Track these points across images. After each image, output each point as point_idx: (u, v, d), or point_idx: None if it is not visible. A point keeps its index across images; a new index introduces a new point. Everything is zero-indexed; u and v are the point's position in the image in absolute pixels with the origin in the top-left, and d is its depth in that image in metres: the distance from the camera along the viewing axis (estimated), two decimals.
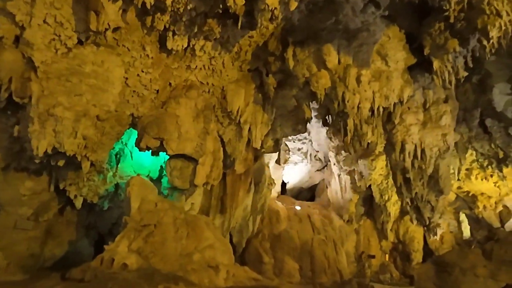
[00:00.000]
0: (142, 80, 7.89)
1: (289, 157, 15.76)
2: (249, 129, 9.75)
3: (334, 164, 14.59)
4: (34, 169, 7.82)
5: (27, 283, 7.02)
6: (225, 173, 10.30)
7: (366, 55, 7.69)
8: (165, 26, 7.17)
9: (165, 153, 8.49)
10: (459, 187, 13.69)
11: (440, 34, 7.31)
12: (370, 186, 13.93)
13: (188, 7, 6.61)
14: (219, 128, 9.60)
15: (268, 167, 13.24)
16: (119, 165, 9.45)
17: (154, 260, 6.62)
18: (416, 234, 14.84)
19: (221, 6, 6.65)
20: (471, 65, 7.72)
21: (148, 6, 6.40)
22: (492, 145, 10.35)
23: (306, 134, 14.97)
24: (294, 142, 15.52)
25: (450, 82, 7.79)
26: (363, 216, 15.07)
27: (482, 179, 13.01)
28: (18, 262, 8.02)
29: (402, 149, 8.66)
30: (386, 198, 14.12)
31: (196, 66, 8.59)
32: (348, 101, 7.97)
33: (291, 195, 16.24)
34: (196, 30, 7.39)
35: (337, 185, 14.90)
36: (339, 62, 7.83)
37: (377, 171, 13.49)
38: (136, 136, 8.28)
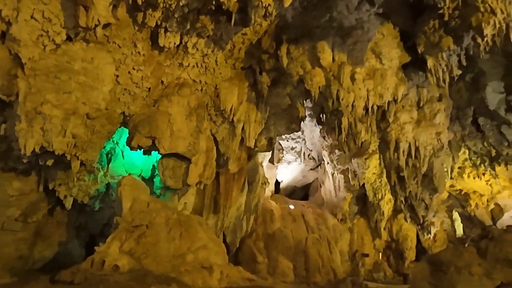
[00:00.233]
0: (134, 77, 7.74)
1: (283, 156, 15.70)
2: (243, 128, 9.65)
3: (328, 163, 14.58)
4: (22, 169, 7.63)
5: (15, 286, 6.84)
6: (218, 172, 10.19)
7: (360, 53, 7.64)
8: (156, 23, 7.03)
9: (157, 152, 8.35)
10: (451, 186, 13.76)
11: (435, 32, 7.28)
12: (363, 185, 13.95)
13: (180, 3, 6.48)
14: (212, 126, 9.48)
15: (262, 166, 13.16)
16: (110, 165, 9.28)
17: (146, 261, 6.49)
18: (409, 232, 14.93)
19: (214, 2, 6.53)
20: (464, 63, 7.72)
21: (139, 2, 6.27)
22: (485, 144, 10.40)
23: (299, 133, 14.92)
24: (287, 141, 15.46)
25: (444, 81, 7.78)
26: (357, 214, 15.11)
27: (474, 178, 13.10)
28: (6, 264, 7.82)
29: (396, 148, 8.63)
30: (380, 197, 14.17)
31: (189, 64, 8.46)
32: (342, 99, 7.91)
33: (284, 194, 16.20)
34: (188, 27, 7.28)
35: (331, 184, 14.89)
36: (333, 60, 7.77)
37: (371, 170, 13.52)
38: (128, 135, 8.12)
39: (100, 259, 6.08)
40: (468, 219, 15.45)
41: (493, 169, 11.28)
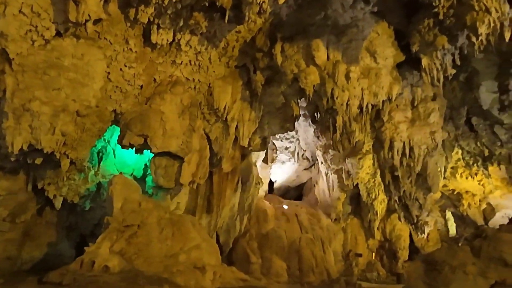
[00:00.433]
0: (125, 75, 7.60)
1: (277, 156, 15.62)
2: (236, 127, 9.56)
3: (322, 163, 14.54)
4: (9, 167, 7.45)
5: (2, 287, 6.66)
6: (211, 172, 10.08)
7: (355, 51, 7.60)
8: (149, 19, 6.90)
9: (149, 151, 8.22)
10: (444, 185, 13.81)
11: (429, 31, 7.26)
12: (357, 184, 13.94)
13: (173, 0, 6.37)
14: (206, 125, 9.37)
15: (256, 166, 13.08)
16: (101, 164, 9.13)
17: (137, 262, 6.36)
18: (403, 232, 14.96)
19: None
20: (458, 62, 7.71)
21: None
22: (478, 143, 10.44)
23: (293, 133, 14.87)
24: (281, 141, 15.40)
25: (438, 80, 7.77)
26: (350, 214, 15.09)
27: (467, 177, 13.16)
28: None
29: (391, 147, 8.61)
30: (373, 197, 14.16)
31: (182, 61, 8.34)
32: (337, 98, 7.86)
33: (278, 194, 16.13)
34: (181, 23, 7.17)
35: (325, 184, 14.86)
36: (328, 58, 7.71)
37: (364, 169, 13.50)
38: (119, 133, 7.97)
39: (89, 260, 5.94)
40: (461, 219, 15.54)
41: (486, 168, 11.33)
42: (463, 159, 11.71)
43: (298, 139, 15.44)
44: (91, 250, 6.19)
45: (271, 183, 16.07)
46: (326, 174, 14.60)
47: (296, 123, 11.13)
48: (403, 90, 8.45)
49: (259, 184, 13.08)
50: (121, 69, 7.50)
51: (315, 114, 9.85)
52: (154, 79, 8.25)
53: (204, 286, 6.64)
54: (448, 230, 14.93)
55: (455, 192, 14.38)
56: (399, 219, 11.15)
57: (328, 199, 14.80)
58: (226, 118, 9.31)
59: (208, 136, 9.43)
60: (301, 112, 11.93)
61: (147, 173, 9.66)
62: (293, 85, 8.72)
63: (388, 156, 8.70)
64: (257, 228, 12.91)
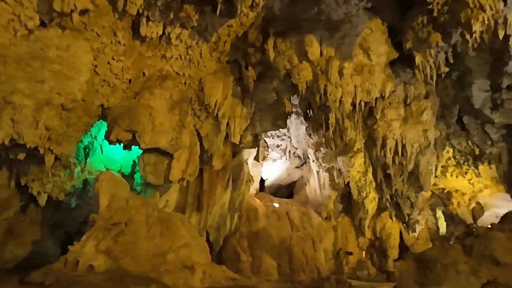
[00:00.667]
0: (113, 68, 7.37)
1: (268, 154, 15.49)
2: (228, 123, 9.41)
3: (313, 161, 14.47)
4: None
5: None
6: (202, 169, 9.91)
7: (348, 48, 7.49)
8: (138, 11, 6.69)
9: (137, 147, 8.00)
10: (434, 184, 13.87)
11: (423, 28, 7.20)
12: (348, 183, 13.91)
13: None
14: (196, 121, 9.19)
15: (247, 163, 12.93)
16: (87, 160, 8.88)
17: (124, 261, 6.17)
18: (393, 230, 15.01)
19: None
20: (451, 60, 7.67)
21: None
22: (469, 142, 10.46)
23: (285, 131, 14.76)
24: (273, 138, 15.27)
25: (431, 77, 7.72)
26: (341, 213, 15.07)
27: (457, 176, 13.23)
28: None
29: (383, 145, 8.54)
30: (364, 195, 14.16)
31: (172, 56, 8.14)
32: (330, 95, 7.76)
33: (269, 192, 16.01)
34: (172, 16, 6.97)
35: (316, 182, 14.80)
36: (321, 54, 7.60)
37: (356, 168, 13.48)
38: (106, 129, 7.74)
39: (74, 259, 5.73)
40: (450, 218, 15.66)
41: (477, 167, 11.39)
42: (454, 158, 11.75)
43: (289, 137, 15.34)
44: (75, 249, 5.98)
45: (262, 181, 15.95)
46: (318, 172, 14.54)
47: (288, 120, 11.02)
48: (396, 87, 8.39)
49: (250, 182, 12.95)
50: (108, 62, 7.27)
51: (308, 111, 9.74)
52: (143, 73, 8.03)
53: (193, 286, 6.48)
54: (438, 229, 15.02)
55: (445, 191, 14.48)
56: (391, 218, 11.14)
57: (319, 198, 14.75)
58: (217, 114, 9.15)
59: (198, 132, 9.25)
60: (293, 110, 11.82)
61: (136, 169, 9.44)
62: (286, 81, 8.59)
63: (381, 154, 8.64)
64: (248, 226, 12.78)
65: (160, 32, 7.34)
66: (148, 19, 6.96)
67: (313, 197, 15.00)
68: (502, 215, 13.86)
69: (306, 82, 7.95)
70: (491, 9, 6.16)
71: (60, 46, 6.34)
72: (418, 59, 7.57)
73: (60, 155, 7.09)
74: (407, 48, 7.75)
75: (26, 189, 8.01)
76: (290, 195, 16.44)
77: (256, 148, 13.57)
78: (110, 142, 7.64)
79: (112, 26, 6.98)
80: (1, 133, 5.87)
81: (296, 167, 16.18)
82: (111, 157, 9.32)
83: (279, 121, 10.03)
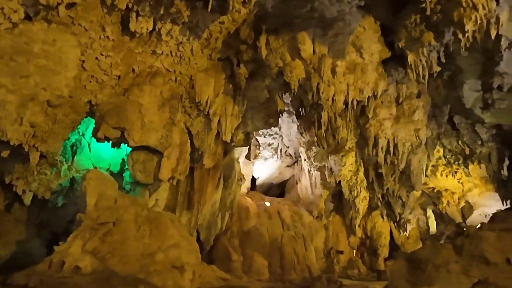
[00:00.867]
0: (102, 64, 7.19)
1: (259, 152, 15.42)
2: (219, 121, 9.29)
3: (305, 159, 14.44)
4: None
5: None
6: (192, 168, 9.77)
7: (341, 46, 7.43)
8: (127, 6, 6.52)
9: (126, 145, 7.84)
10: (424, 183, 13.94)
11: (416, 27, 7.17)
12: (339, 182, 13.92)
13: None
14: (187, 119, 9.04)
15: (238, 162, 12.83)
16: (75, 158, 8.67)
17: (112, 262, 6.02)
18: (383, 229, 15.10)
19: None
20: (443, 60, 7.66)
21: None
22: (460, 142, 10.53)
23: (277, 129, 14.71)
24: (264, 137, 15.20)
25: (423, 77, 7.71)
26: (332, 212, 15.10)
27: (447, 176, 13.32)
28: None
29: (375, 144, 8.52)
30: (355, 194, 14.21)
31: (162, 52, 7.97)
32: (322, 93, 7.69)
33: (261, 191, 15.95)
34: (162, 11, 6.80)
35: (307, 181, 14.78)
36: (314, 51, 7.52)
37: (347, 167, 13.50)
38: (94, 126, 7.56)
39: (59, 260, 5.56)
40: (439, 217, 15.80)
41: (467, 167, 11.47)
42: (445, 157, 11.82)
43: (281, 136, 15.28)
44: (61, 249, 5.81)
45: (253, 179, 15.88)
46: (309, 171, 14.52)
47: (279, 119, 10.94)
48: (388, 86, 8.37)
49: (241, 180, 12.86)
50: (97, 58, 7.09)
51: (300, 109, 9.67)
52: (133, 70, 7.86)
53: (183, 286, 6.36)
54: (428, 228, 15.14)
55: (435, 190, 14.58)
56: (382, 217, 11.17)
57: (310, 196, 14.74)
58: (208, 112, 9.02)
59: (189, 130, 9.12)
60: (285, 108, 11.76)
61: (124, 168, 9.27)
62: (278, 79, 8.49)
63: (372, 154, 8.62)
64: (239, 225, 12.71)
65: (150, 28, 7.17)
66: (138, 14, 6.78)
67: (305, 196, 14.99)
68: (490, 214, 14.05)
69: (299, 80, 7.87)
70: (484, 8, 6.15)
71: (46, 40, 6.14)
72: (410, 58, 7.54)
73: (46, 152, 6.89)
74: (400, 47, 7.72)
75: (10, 188, 7.79)
76: (281, 194, 16.40)
77: (248, 147, 13.49)
78: (98, 140, 7.45)
79: (101, 20, 6.80)
80: None
81: (288, 166, 16.15)
82: (99, 155, 9.13)
83: (271, 119, 9.95)
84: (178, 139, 8.51)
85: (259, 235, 12.49)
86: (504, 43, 6.90)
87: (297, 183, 15.63)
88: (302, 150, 14.32)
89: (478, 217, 14.66)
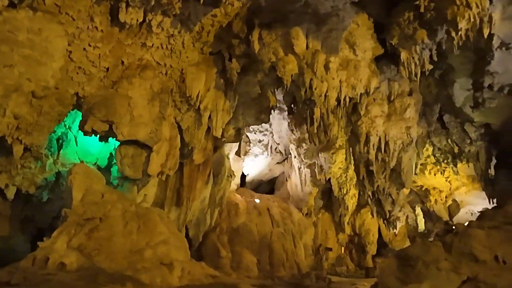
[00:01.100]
0: (89, 55, 6.99)
1: (250, 149, 15.32)
2: (209, 117, 9.16)
3: (295, 157, 14.41)
4: None
5: None
6: (182, 163, 9.63)
7: (335, 41, 7.38)
8: None
9: (114, 138, 7.64)
10: (413, 181, 14.07)
11: (409, 24, 7.17)
12: (329, 179, 13.94)
13: None
14: (177, 114, 8.89)
15: (228, 158, 12.71)
16: (61, 151, 8.43)
17: (98, 258, 5.86)
18: (372, 227, 15.21)
19: None
20: (435, 58, 7.69)
21: None
22: (449, 141, 10.62)
23: (267, 126, 14.63)
24: (255, 133, 15.11)
25: (416, 75, 7.72)
26: (322, 209, 15.13)
27: (435, 174, 13.47)
28: None
29: (367, 141, 8.52)
30: (345, 192, 14.24)
31: (153, 44, 7.81)
32: (315, 89, 7.63)
33: (250, 188, 15.88)
34: (153, 2, 6.65)
35: (297, 178, 14.76)
36: (307, 47, 7.45)
37: (337, 164, 13.52)
38: (81, 119, 7.34)
39: (43, 256, 5.38)
40: (427, 214, 15.98)
41: (455, 165, 11.59)
42: (434, 155, 11.93)
43: (271, 132, 15.21)
44: (45, 245, 5.62)
45: (243, 176, 15.79)
46: (299, 168, 14.50)
47: (270, 116, 10.85)
48: (380, 84, 8.37)
49: (231, 177, 12.76)
50: (84, 49, 6.89)
51: (292, 105, 9.59)
52: (122, 62, 7.67)
53: (171, 284, 6.24)
54: (417, 226, 15.31)
55: (423, 188, 14.73)
56: (372, 214, 11.22)
57: (300, 194, 14.73)
58: (198, 107, 8.89)
59: (179, 125, 8.97)
60: (277, 104, 11.68)
61: (112, 162, 9.06)
62: (270, 74, 8.40)
63: (364, 151, 8.61)
64: (228, 222, 12.62)
65: (141, 19, 7.01)
66: (127, 5, 6.63)
67: (294, 193, 14.98)
68: (477, 212, 14.29)
69: (291, 75, 7.80)
70: (477, 6, 6.17)
71: (31, 29, 5.92)
72: (403, 55, 7.54)
73: (30, 145, 6.65)
74: (393, 44, 7.71)
75: None
76: (271, 191, 16.36)
77: (238, 143, 13.39)
78: (85, 133, 7.24)
79: (89, 10, 6.61)
80: None
81: (278, 163, 16.10)
82: (86, 149, 8.90)
83: (263, 115, 9.86)
84: (168, 133, 8.36)
85: (248, 232, 12.42)
86: (496, 42, 6.94)
87: (287, 180, 15.60)
88: (292, 147, 14.28)
89: (464, 215, 14.89)
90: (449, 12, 6.42)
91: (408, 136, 8.55)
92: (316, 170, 13.94)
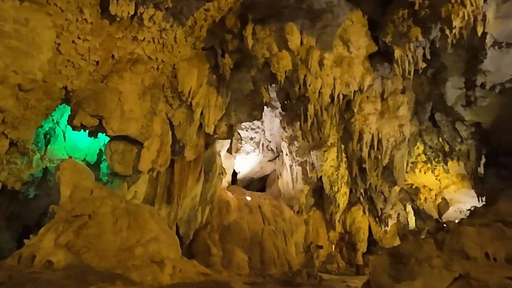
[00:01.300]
0: (79, 48, 6.81)
1: (241, 146, 15.22)
2: (202, 113, 9.04)
3: (287, 154, 14.37)
4: None
5: None
6: (173, 160, 9.48)
7: (329, 38, 7.33)
8: None
9: (104, 134, 7.47)
10: (404, 180, 14.17)
11: (403, 22, 7.15)
12: (321, 177, 13.93)
13: None
14: (168, 109, 8.74)
15: (220, 155, 12.60)
16: (48, 147, 8.22)
17: (87, 256, 5.71)
18: (362, 225, 15.26)
19: None
20: (429, 56, 7.70)
21: None
22: (440, 139, 10.69)
23: (259, 123, 14.55)
24: (246, 131, 15.01)
25: (409, 72, 7.72)
26: (313, 207, 15.13)
27: (425, 172, 13.56)
28: None
29: (360, 139, 8.50)
30: (336, 190, 14.26)
31: (144, 38, 7.66)
32: (309, 85, 7.57)
33: (241, 185, 15.79)
34: None
35: (289, 176, 14.72)
36: (301, 43, 7.38)
37: (329, 162, 13.51)
38: (70, 113, 7.14)
39: (29, 254, 5.21)
40: (416, 213, 16.12)
41: (446, 164, 11.68)
42: (425, 154, 12.00)
43: (263, 130, 15.13)
44: (31, 242, 5.45)
45: (234, 174, 15.69)
46: (291, 166, 14.46)
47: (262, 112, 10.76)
48: (374, 81, 8.35)
49: (223, 174, 12.64)
50: (73, 41, 6.70)
51: (285, 102, 9.51)
52: (112, 56, 7.50)
53: (162, 282, 6.12)
54: (408, 223, 15.42)
55: (413, 187, 14.84)
56: (364, 212, 11.24)
57: (291, 191, 14.70)
58: (190, 103, 8.77)
59: (170, 121, 8.82)
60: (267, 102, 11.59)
61: (102, 158, 8.89)
62: (264, 70, 8.32)
63: (357, 148, 8.60)
64: (219, 219, 12.52)
65: (132, 12, 6.88)
66: None
67: (286, 190, 14.94)
68: (465, 210, 14.46)
69: (285, 71, 7.72)
70: (472, 5, 6.17)
71: (18, 19, 5.73)
72: (397, 53, 7.53)
73: (17, 140, 6.44)
74: (387, 41, 7.69)
75: None
76: (262, 189, 16.30)
77: (229, 140, 13.28)
78: (74, 128, 7.05)
79: (78, 1, 6.47)
80: None
81: (269, 161, 16.04)
82: (75, 144, 8.70)
83: (255, 112, 9.77)
84: (159, 129, 8.21)
85: (239, 230, 12.35)
86: (489, 40, 6.98)
87: (278, 177, 15.55)
88: (284, 144, 14.23)
89: (453, 213, 15.05)
90: (443, 10, 6.42)
91: (401, 134, 8.57)
92: (307, 168, 13.92)
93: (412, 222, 15.35)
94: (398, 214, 14.30)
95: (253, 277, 10.97)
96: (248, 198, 13.88)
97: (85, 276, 5.07)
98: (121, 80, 7.34)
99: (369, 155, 8.67)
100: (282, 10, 7.35)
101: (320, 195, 15.05)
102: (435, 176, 13.63)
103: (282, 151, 14.86)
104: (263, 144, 15.53)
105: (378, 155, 8.64)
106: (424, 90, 9.06)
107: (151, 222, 7.09)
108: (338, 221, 15.01)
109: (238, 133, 14.85)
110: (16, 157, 7.47)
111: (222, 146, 13.06)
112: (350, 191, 14.24)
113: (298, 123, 9.16)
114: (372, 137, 8.49)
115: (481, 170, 10.54)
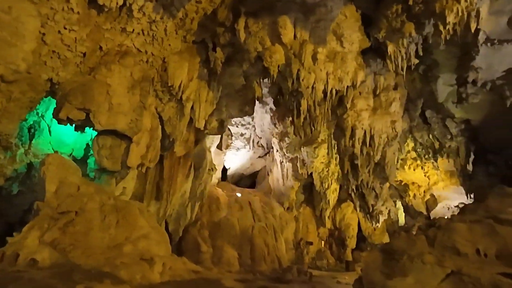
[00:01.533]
0: (65, 38, 6.55)
1: (231, 142, 15.09)
2: (192, 107, 8.86)
3: (277, 150, 14.30)
4: None
5: None
6: (162, 155, 9.29)
7: (323, 32, 7.23)
8: None
9: (92, 128, 7.24)
10: None
11: (397, 17, 7.11)
12: (311, 174, 13.92)
13: None
14: (158, 104, 8.54)
15: (210, 151, 12.44)
16: (33, 141, 7.95)
17: (73, 254, 5.52)
18: (352, 221, 15.34)
19: None
20: (421, 53, 7.69)
21: None
22: (430, 136, 10.76)
23: (249, 119, 14.43)
24: (237, 127, 14.88)
25: (402, 68, 7.70)
26: (303, 203, 15.12)
27: (414, 169, 13.68)
28: None
29: (352, 135, 8.46)
30: (326, 186, 14.27)
31: (133, 30, 7.43)
32: (303, 80, 7.47)
33: (231, 181, 15.67)
34: None
35: (279, 172, 14.67)
36: (295, 37, 7.26)
37: (319, 159, 13.50)
38: (55, 106, 6.89)
39: (13, 252, 5.00)
40: (405, 209, 16.28)
41: (436, 160, 11.77)
42: (415, 150, 12.08)
43: (254, 126, 15.02)
44: (15, 240, 5.23)
45: (224, 170, 15.55)
46: (281, 163, 14.40)
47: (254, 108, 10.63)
48: (366, 77, 8.31)
49: (213, 170, 12.49)
50: (59, 32, 6.44)
51: (278, 97, 9.41)
52: (100, 47, 7.26)
53: (152, 280, 5.97)
54: (398, 220, 15.56)
55: (402, 183, 14.96)
56: (355, 208, 11.26)
57: (281, 188, 14.65)
58: (181, 97, 8.59)
59: (160, 116, 8.63)
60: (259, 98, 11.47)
61: (89, 154, 8.64)
62: (256, 64, 8.18)
63: (349, 144, 8.56)
64: (209, 216, 12.39)
65: (121, 3, 6.66)
66: None
67: (276, 187, 14.89)
68: (453, 207, 14.65)
69: (278, 66, 7.60)
70: (466, 1, 6.15)
71: (0, 7, 5.46)
72: (390, 48, 7.49)
73: None
74: (380, 38, 7.65)
75: None
76: (252, 185, 16.23)
77: (220, 136, 13.13)
78: (60, 122, 6.80)
79: None
80: None
81: (259, 157, 15.95)
82: (61, 139, 8.43)
83: (247, 107, 9.63)
84: (149, 124, 8.02)
85: (229, 226, 12.23)
86: (481, 37, 6.99)
87: (268, 174, 15.48)
88: (274, 141, 14.15)
89: (441, 209, 15.24)
90: (437, 5, 6.39)
91: (393, 130, 8.56)
92: (298, 164, 13.88)
93: (401, 218, 15.49)
94: (389, 210, 14.40)
95: (243, 274, 10.90)
96: (238, 195, 13.77)
97: (72, 275, 4.88)
98: (109, 73, 7.11)
99: (361, 151, 8.65)
100: (275, 3, 7.22)
101: (310, 191, 15.04)
102: (424, 173, 13.76)
103: (272, 148, 14.79)
104: (253, 140, 15.43)
105: (370, 152, 8.62)
106: (415, 87, 9.07)
107: (140, 219, 6.92)
108: (328, 217, 15.05)
109: (229, 129, 14.71)
110: None
111: (212, 142, 12.90)
112: (340, 188, 14.28)
113: (290, 119, 9.07)
114: (365, 133, 8.46)
115: (469, 167, 10.67)
